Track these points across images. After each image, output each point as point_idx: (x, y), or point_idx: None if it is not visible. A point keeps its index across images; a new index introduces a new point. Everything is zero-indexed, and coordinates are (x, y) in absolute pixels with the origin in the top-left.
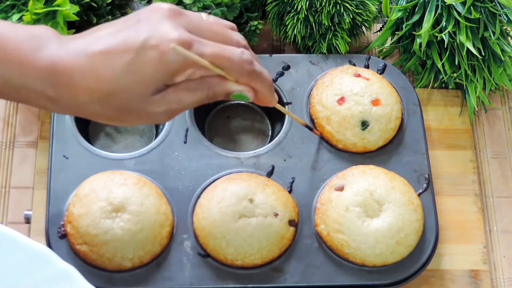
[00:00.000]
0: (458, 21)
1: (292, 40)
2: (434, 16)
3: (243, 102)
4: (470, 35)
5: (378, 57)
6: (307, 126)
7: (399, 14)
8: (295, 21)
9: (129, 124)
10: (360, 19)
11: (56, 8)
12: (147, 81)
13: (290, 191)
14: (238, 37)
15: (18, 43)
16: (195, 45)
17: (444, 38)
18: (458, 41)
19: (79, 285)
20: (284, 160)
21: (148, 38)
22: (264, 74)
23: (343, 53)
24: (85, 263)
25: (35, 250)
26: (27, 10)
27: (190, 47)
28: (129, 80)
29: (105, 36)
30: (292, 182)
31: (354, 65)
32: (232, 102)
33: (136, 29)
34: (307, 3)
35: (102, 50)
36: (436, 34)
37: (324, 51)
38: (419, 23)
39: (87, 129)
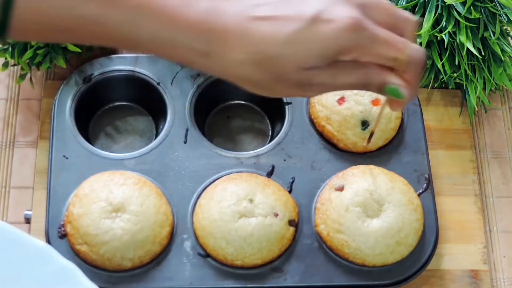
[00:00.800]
0: (458, 21)
1: None
2: (434, 16)
3: (242, 102)
4: (470, 35)
5: None
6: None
7: None
8: None
9: (273, 94)
10: None
11: None
12: (312, 54)
13: (290, 191)
14: (411, 27)
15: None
16: (367, 30)
17: (444, 38)
18: (458, 41)
19: (80, 282)
20: (284, 160)
21: (321, 11)
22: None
23: None
24: (85, 263)
25: (36, 247)
26: None
27: (363, 30)
28: (293, 49)
29: (267, 3)
30: (292, 182)
31: None
32: (232, 102)
33: (304, 1)
34: None
35: (267, 15)
36: (436, 34)
37: None
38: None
39: (87, 129)
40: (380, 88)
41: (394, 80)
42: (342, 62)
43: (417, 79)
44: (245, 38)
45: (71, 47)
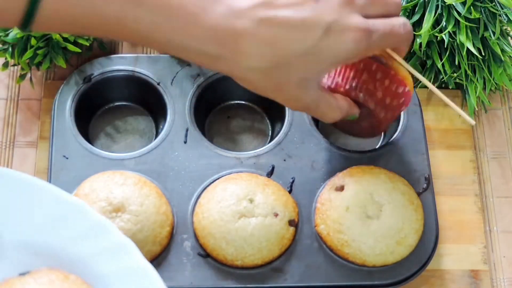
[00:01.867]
0: (458, 21)
1: None
2: (434, 16)
3: (242, 102)
4: (470, 35)
5: None
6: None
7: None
8: None
9: (276, 99)
10: None
11: None
12: (322, 66)
13: (290, 191)
14: (397, 8)
15: (183, 3)
16: (374, 34)
17: (444, 38)
18: (458, 41)
19: (136, 259)
20: (284, 160)
21: (333, 22)
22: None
23: None
24: None
25: (95, 220)
26: None
27: (371, 36)
28: (305, 59)
29: (282, 7)
30: (292, 182)
31: None
32: (232, 102)
33: (317, 9)
34: None
35: (282, 21)
36: (436, 34)
37: None
38: (419, 23)
39: (87, 129)
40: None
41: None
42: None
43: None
44: (258, 44)
45: (71, 47)
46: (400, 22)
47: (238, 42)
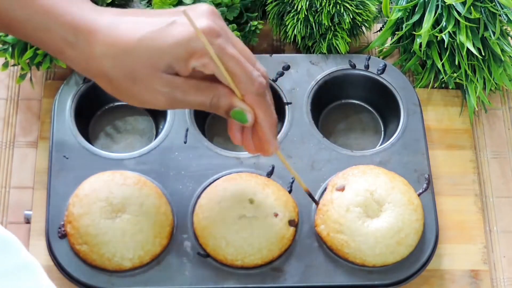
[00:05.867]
0: (458, 21)
1: (292, 40)
2: (434, 16)
3: None
4: (470, 35)
5: (378, 57)
6: (309, 194)
7: (399, 14)
8: (295, 21)
9: (128, 99)
10: (360, 19)
11: None
12: (164, 51)
13: (290, 191)
14: (263, 68)
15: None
16: (221, 39)
17: (444, 38)
18: (458, 41)
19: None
20: None
21: (181, 18)
22: (271, 108)
23: (343, 53)
24: (85, 263)
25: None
26: None
27: (218, 37)
28: (148, 45)
29: (138, 13)
30: (292, 182)
31: (355, 65)
32: None
33: (171, 13)
34: (307, 3)
35: (132, 20)
36: (436, 34)
37: (324, 51)
38: (419, 23)
39: (87, 129)
40: (228, 112)
41: (238, 104)
42: (194, 80)
43: (260, 104)
44: (109, 35)
45: None
46: (259, 68)
47: (92, 33)
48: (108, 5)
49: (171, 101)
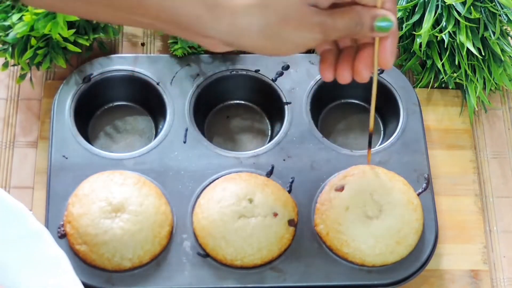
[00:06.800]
0: (458, 21)
1: None
2: (434, 16)
3: (242, 102)
4: (470, 35)
5: None
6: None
7: (399, 14)
8: None
9: (281, 45)
10: None
11: None
12: None
13: (289, 191)
14: None
15: None
16: None
17: (444, 38)
18: (458, 41)
19: (47, 246)
20: (284, 160)
21: None
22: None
23: None
24: (85, 263)
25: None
26: (27, 10)
27: None
28: None
29: None
30: (292, 182)
31: None
32: (232, 102)
33: None
34: None
35: None
36: (436, 34)
37: None
38: (419, 23)
39: (87, 129)
40: (371, 26)
41: (382, 12)
42: (336, 8)
43: (396, 13)
44: None
45: (71, 47)
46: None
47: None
48: None
49: (324, 31)
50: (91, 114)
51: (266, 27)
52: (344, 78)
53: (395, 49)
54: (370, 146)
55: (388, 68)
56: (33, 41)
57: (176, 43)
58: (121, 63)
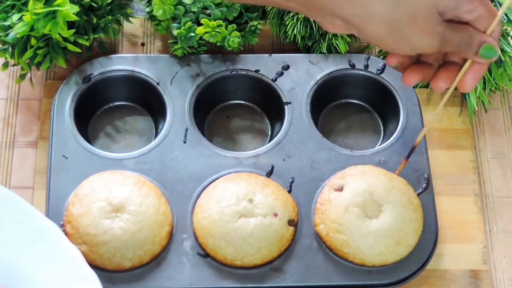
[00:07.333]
0: None
1: (292, 40)
2: None
3: (242, 102)
4: None
5: (378, 57)
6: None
7: None
8: (295, 21)
9: (399, 43)
10: None
11: (56, 8)
12: None
13: (289, 191)
14: None
15: None
16: None
17: None
18: None
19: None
20: (284, 160)
21: None
22: None
23: (343, 53)
24: None
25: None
26: (27, 10)
27: None
28: None
29: None
30: (292, 182)
31: (354, 65)
32: (232, 102)
33: None
34: None
35: None
36: None
37: (324, 51)
38: None
39: (87, 129)
40: (477, 50)
41: (490, 40)
42: (452, 23)
43: (498, 39)
44: None
45: (71, 47)
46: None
47: None
48: (108, 4)
49: (442, 41)
50: (91, 114)
51: (394, 20)
52: (410, 82)
53: (481, 77)
54: (408, 157)
55: (465, 92)
56: (33, 41)
57: (176, 43)
58: (121, 63)
